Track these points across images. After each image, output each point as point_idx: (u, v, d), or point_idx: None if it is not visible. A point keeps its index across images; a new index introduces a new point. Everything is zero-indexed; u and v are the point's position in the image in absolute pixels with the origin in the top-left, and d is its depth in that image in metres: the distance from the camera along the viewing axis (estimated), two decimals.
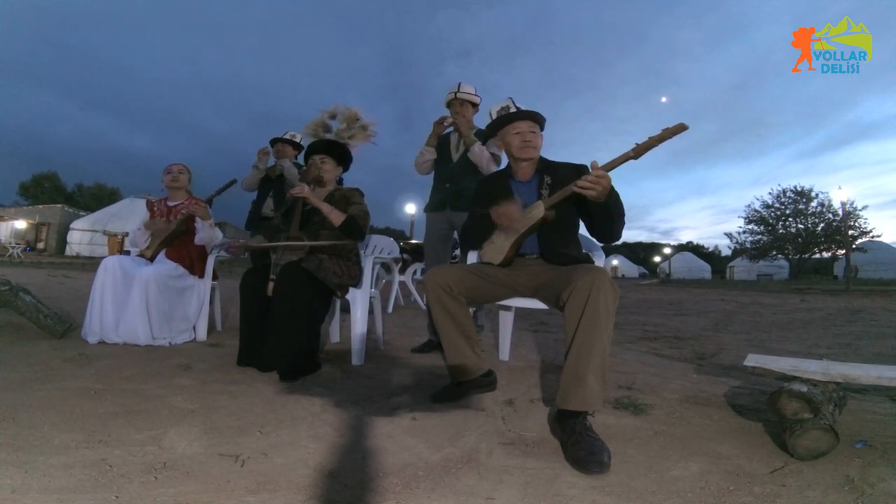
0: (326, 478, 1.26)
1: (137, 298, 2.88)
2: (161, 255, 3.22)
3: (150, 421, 1.62)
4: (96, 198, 45.00)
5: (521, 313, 2.29)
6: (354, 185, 3.02)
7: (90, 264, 14.82)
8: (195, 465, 1.30)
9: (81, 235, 27.41)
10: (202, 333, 3.25)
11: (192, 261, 3.26)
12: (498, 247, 2.16)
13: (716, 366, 2.86)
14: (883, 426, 1.75)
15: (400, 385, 2.28)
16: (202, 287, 3.29)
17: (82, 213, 31.82)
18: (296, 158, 4.31)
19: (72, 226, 28.19)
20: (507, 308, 2.67)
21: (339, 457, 1.40)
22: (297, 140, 4.30)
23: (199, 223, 3.24)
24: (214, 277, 3.48)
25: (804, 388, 1.49)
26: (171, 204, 3.39)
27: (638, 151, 1.78)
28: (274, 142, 4.31)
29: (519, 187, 2.24)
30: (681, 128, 1.73)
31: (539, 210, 2.03)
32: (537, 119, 2.24)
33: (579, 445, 1.41)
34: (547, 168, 2.23)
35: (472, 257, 2.52)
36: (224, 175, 3.74)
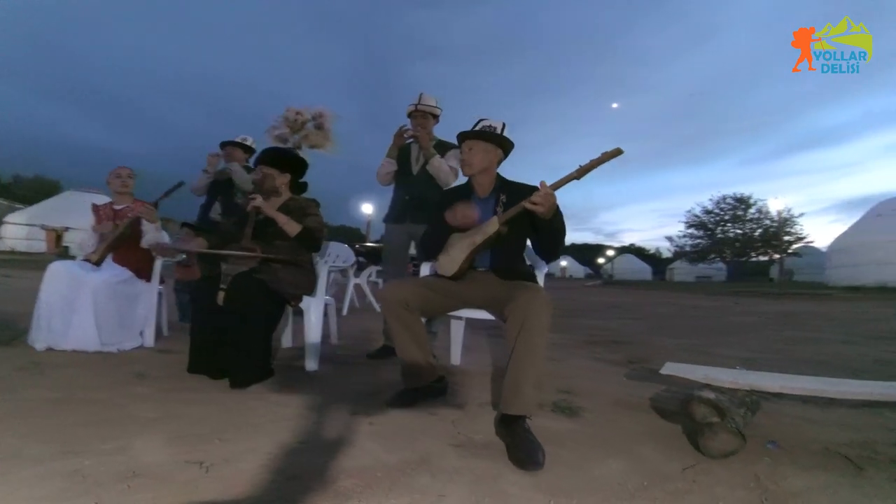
0: (289, 481, 1.37)
1: (87, 304, 2.87)
2: (108, 260, 3.18)
3: (114, 430, 1.68)
4: (35, 190, 42.47)
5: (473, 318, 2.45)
6: (311, 180, 3.02)
7: (30, 261, 14.05)
8: (164, 473, 1.37)
9: (17, 230, 25.90)
10: (150, 339, 3.24)
11: (140, 265, 3.25)
12: (452, 258, 2.27)
13: (647, 370, 3.09)
14: (793, 427, 1.98)
15: (356, 390, 2.38)
16: (150, 292, 3.29)
17: (18, 205, 30.01)
18: (247, 162, 4.21)
19: (6, 219, 26.57)
20: (459, 317, 2.82)
21: (300, 461, 1.51)
22: (248, 143, 4.26)
23: (145, 225, 3.23)
24: (161, 282, 3.45)
25: (712, 395, 1.70)
26: (117, 208, 3.36)
27: (581, 172, 1.96)
28: (224, 145, 4.25)
29: (477, 203, 2.36)
30: (617, 152, 1.92)
31: (493, 225, 2.16)
32: (479, 136, 2.34)
33: (519, 447, 1.59)
34: (504, 187, 2.37)
35: (425, 269, 2.64)
36: (183, 170, 3.68)
